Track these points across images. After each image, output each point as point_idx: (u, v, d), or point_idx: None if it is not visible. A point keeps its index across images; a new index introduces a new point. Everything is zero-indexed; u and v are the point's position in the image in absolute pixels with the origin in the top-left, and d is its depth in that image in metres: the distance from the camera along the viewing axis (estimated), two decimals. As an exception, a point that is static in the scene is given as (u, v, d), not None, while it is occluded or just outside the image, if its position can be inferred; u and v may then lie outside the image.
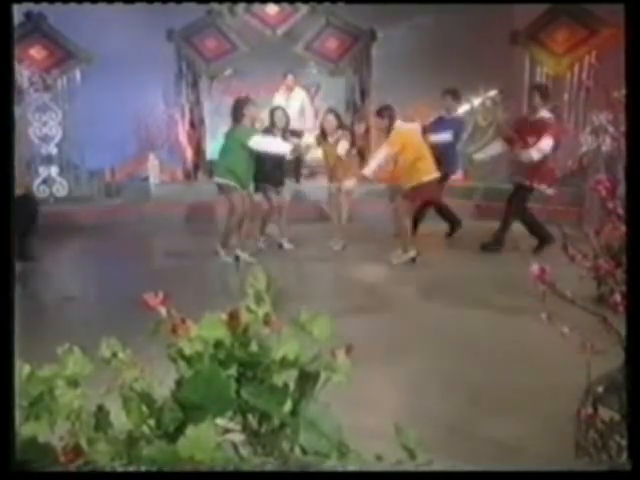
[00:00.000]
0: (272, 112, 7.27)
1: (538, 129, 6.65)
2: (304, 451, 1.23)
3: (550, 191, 6.88)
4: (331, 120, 7.23)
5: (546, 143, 6.60)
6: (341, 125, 7.38)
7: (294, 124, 9.08)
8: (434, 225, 8.31)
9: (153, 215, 8.94)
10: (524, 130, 6.82)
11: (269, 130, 7.07)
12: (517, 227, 8.08)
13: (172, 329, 1.27)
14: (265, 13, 10.54)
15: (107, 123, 8.55)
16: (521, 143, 6.78)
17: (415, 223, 7.07)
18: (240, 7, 10.41)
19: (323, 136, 7.31)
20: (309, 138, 8.01)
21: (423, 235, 8.07)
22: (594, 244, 2.11)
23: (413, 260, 6.54)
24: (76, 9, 8.62)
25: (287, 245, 7.39)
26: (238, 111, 6.66)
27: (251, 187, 7.03)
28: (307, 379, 1.29)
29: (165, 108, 10.18)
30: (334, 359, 1.30)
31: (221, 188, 6.73)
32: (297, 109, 9.81)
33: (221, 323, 1.29)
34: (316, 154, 8.21)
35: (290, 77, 9.97)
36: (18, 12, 8.57)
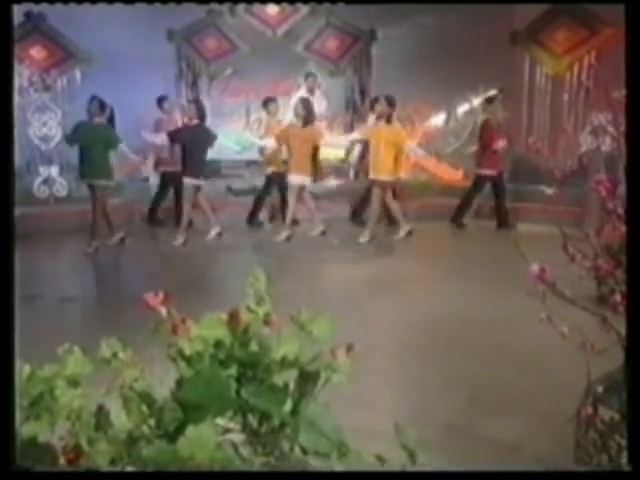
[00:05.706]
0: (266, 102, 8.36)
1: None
2: (304, 451, 1.23)
3: (550, 191, 6.90)
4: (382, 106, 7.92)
5: None
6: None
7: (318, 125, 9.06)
8: (431, 224, 8.33)
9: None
10: None
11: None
12: (518, 226, 8.08)
13: (172, 329, 1.27)
14: (265, 13, 10.53)
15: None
16: None
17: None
18: (240, 7, 10.40)
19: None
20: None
21: (420, 234, 8.08)
22: (594, 244, 2.11)
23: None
24: (76, 9, 8.61)
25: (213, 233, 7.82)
26: None
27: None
28: (307, 379, 1.29)
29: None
30: (334, 359, 1.30)
31: None
32: (320, 110, 9.68)
33: (221, 323, 1.29)
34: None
35: (311, 79, 9.88)
36: (18, 12, 8.57)
